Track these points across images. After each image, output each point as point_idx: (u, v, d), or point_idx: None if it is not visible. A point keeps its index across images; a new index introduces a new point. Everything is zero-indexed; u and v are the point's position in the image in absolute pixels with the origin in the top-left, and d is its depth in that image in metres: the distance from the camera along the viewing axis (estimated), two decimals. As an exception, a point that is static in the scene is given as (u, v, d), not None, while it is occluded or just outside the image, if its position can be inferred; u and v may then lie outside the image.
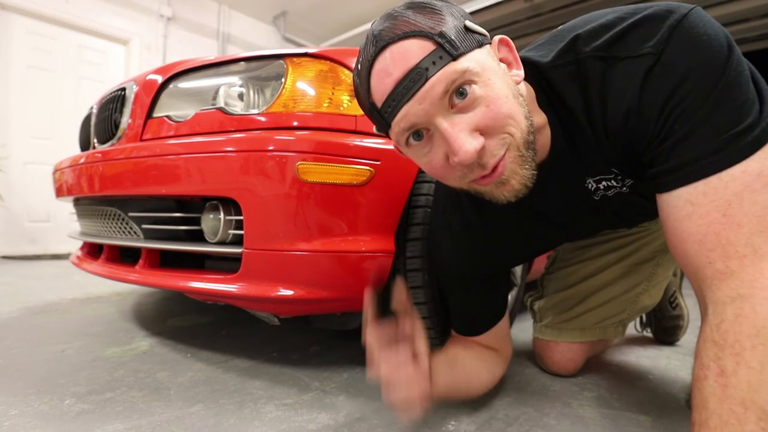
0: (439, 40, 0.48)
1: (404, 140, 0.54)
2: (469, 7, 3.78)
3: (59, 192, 1.27)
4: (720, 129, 0.47)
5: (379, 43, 0.49)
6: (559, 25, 0.62)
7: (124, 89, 1.11)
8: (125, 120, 1.06)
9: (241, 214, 0.81)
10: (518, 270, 1.31)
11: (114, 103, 1.12)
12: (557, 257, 1.07)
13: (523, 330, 1.39)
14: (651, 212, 0.64)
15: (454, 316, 0.84)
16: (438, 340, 0.95)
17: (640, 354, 1.22)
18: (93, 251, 1.29)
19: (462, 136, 0.49)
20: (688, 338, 1.35)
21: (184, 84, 1.02)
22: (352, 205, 0.82)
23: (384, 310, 0.63)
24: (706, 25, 0.50)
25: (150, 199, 0.96)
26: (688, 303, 1.36)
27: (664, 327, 1.32)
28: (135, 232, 1.01)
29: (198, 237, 0.91)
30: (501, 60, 0.55)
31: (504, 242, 0.76)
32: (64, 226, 3.28)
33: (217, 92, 0.94)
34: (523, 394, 0.89)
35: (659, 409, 0.85)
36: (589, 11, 0.60)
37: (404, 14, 0.50)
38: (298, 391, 0.86)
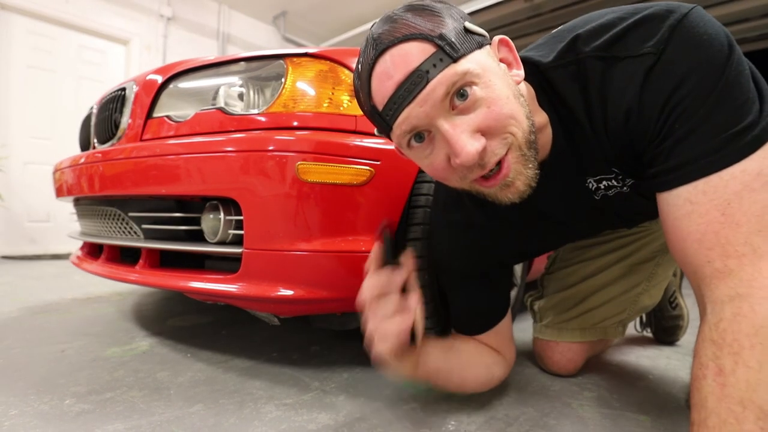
0: (439, 42, 0.48)
1: (406, 142, 0.54)
2: (469, 8, 3.78)
3: (59, 192, 1.27)
4: (720, 128, 0.47)
5: (379, 47, 0.50)
6: (559, 25, 0.63)
7: (124, 89, 1.11)
8: (125, 120, 1.06)
9: (241, 214, 0.81)
10: (518, 270, 1.31)
11: (114, 103, 1.12)
12: (557, 257, 1.07)
13: (523, 330, 1.39)
14: (651, 212, 0.64)
15: (454, 313, 0.84)
16: (438, 340, 0.95)
17: (640, 354, 1.22)
18: (93, 251, 1.29)
19: (463, 137, 0.49)
20: (688, 338, 1.35)
21: (184, 84, 1.02)
22: (352, 205, 0.82)
23: (388, 259, 0.61)
24: (706, 24, 0.50)
25: (150, 199, 0.96)
26: (688, 303, 1.37)
27: (664, 327, 1.32)
28: (135, 232, 1.01)
29: (198, 237, 0.91)
30: (501, 60, 0.55)
31: (504, 241, 0.76)
32: (64, 226, 3.28)
33: (217, 92, 0.94)
34: (523, 394, 0.89)
35: (659, 409, 0.85)
36: (589, 11, 0.60)
37: (404, 17, 0.50)
38: (298, 391, 0.87)
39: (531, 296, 1.11)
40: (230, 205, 0.84)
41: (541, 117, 0.60)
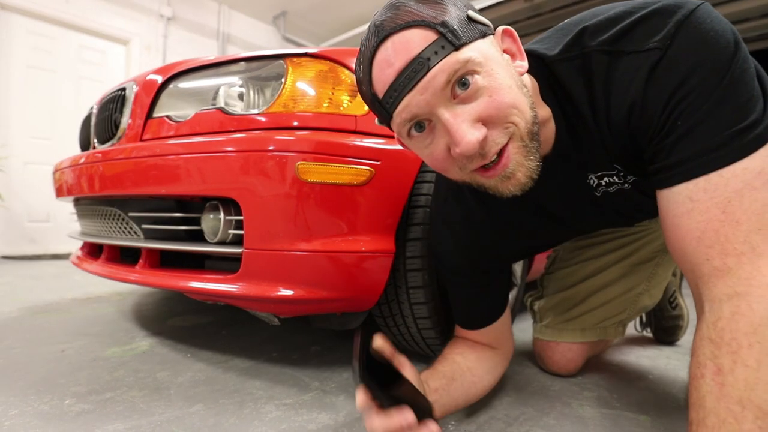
0: (442, 29, 0.47)
1: (406, 132, 0.53)
2: (469, 8, 3.77)
3: (59, 192, 1.27)
4: (723, 126, 0.47)
5: (380, 33, 0.49)
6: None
7: (124, 89, 1.11)
8: (125, 120, 1.06)
9: (241, 214, 0.81)
10: (518, 270, 1.31)
11: (114, 103, 1.12)
12: (557, 257, 1.07)
13: (523, 330, 1.39)
14: (652, 210, 0.64)
15: (454, 307, 0.84)
16: (438, 340, 0.95)
17: (640, 354, 1.22)
18: (93, 251, 1.29)
19: (464, 126, 0.49)
20: (688, 338, 1.35)
21: (184, 84, 1.02)
22: (352, 205, 0.82)
23: (384, 397, 0.50)
24: (713, 21, 0.49)
25: (150, 199, 0.96)
26: (688, 303, 1.37)
27: (664, 327, 1.32)
28: (135, 232, 1.01)
29: (198, 237, 0.91)
30: (505, 51, 0.54)
31: (503, 236, 0.76)
32: (64, 226, 3.29)
33: (217, 92, 0.94)
34: (523, 394, 0.89)
35: (659, 409, 0.85)
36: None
37: (406, 4, 0.49)
38: (298, 391, 0.87)
39: (531, 296, 1.11)
40: (230, 205, 0.84)
41: (544, 111, 0.60)
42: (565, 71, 0.57)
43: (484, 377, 0.78)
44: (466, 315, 0.82)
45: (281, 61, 0.89)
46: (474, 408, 0.80)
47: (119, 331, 1.24)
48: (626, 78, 0.52)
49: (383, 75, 0.50)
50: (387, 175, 0.84)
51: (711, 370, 0.44)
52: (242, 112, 0.89)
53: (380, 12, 0.51)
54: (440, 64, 0.47)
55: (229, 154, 0.80)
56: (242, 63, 0.95)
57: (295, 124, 0.84)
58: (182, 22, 4.16)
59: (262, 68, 0.92)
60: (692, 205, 0.49)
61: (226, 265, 0.92)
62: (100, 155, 1.01)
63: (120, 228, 1.05)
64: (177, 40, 4.12)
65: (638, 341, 1.36)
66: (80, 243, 1.39)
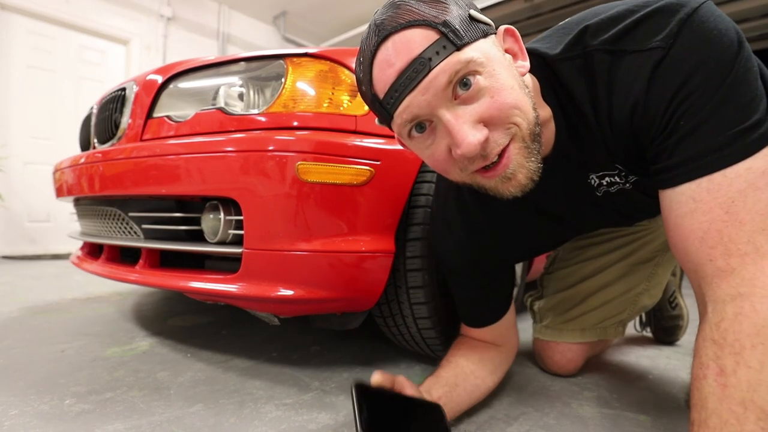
0: (443, 29, 0.47)
1: (407, 132, 0.53)
2: (469, 7, 3.78)
3: (59, 192, 1.27)
4: (726, 125, 0.47)
5: (381, 33, 0.49)
6: (560, 25, 0.62)
7: (124, 89, 1.11)
8: (125, 120, 1.06)
9: (241, 214, 0.81)
10: (518, 270, 1.31)
11: (114, 103, 1.12)
12: (557, 257, 1.07)
13: (523, 330, 1.39)
14: (652, 210, 0.64)
15: (458, 305, 0.84)
16: (438, 340, 0.95)
17: (640, 354, 1.22)
18: (93, 251, 1.29)
19: (465, 127, 0.48)
20: (687, 338, 1.35)
21: (184, 84, 1.02)
22: (352, 205, 0.82)
23: None
24: (716, 19, 0.49)
25: (150, 199, 0.96)
26: (688, 303, 1.37)
27: (664, 327, 1.32)
28: (135, 232, 1.01)
29: (198, 237, 0.91)
30: (506, 51, 0.54)
31: (503, 237, 0.76)
32: (64, 226, 3.28)
33: (217, 92, 0.94)
34: (523, 394, 0.89)
35: (659, 409, 0.85)
36: None
37: (408, 3, 0.49)
38: (298, 391, 0.86)
39: (531, 296, 1.11)
40: (230, 205, 0.84)
41: (545, 111, 0.59)
42: (567, 71, 0.56)
43: (488, 378, 0.79)
44: (469, 314, 0.82)
45: (281, 61, 0.89)
46: (474, 408, 0.80)
47: (119, 331, 1.24)
48: (629, 77, 0.51)
49: (384, 75, 0.49)
50: (387, 175, 0.84)
51: (714, 371, 0.44)
52: (242, 112, 0.88)
53: (381, 11, 0.51)
54: (442, 64, 0.47)
55: (229, 154, 0.80)
56: (242, 63, 0.95)
57: (295, 124, 0.84)
58: (182, 22, 4.16)
59: (262, 68, 0.92)
60: (695, 205, 0.48)
61: (226, 265, 0.91)
62: (100, 155, 1.00)
63: (120, 228, 1.05)
64: (177, 40, 4.11)
65: (638, 341, 1.36)
66: (80, 243, 1.39)
